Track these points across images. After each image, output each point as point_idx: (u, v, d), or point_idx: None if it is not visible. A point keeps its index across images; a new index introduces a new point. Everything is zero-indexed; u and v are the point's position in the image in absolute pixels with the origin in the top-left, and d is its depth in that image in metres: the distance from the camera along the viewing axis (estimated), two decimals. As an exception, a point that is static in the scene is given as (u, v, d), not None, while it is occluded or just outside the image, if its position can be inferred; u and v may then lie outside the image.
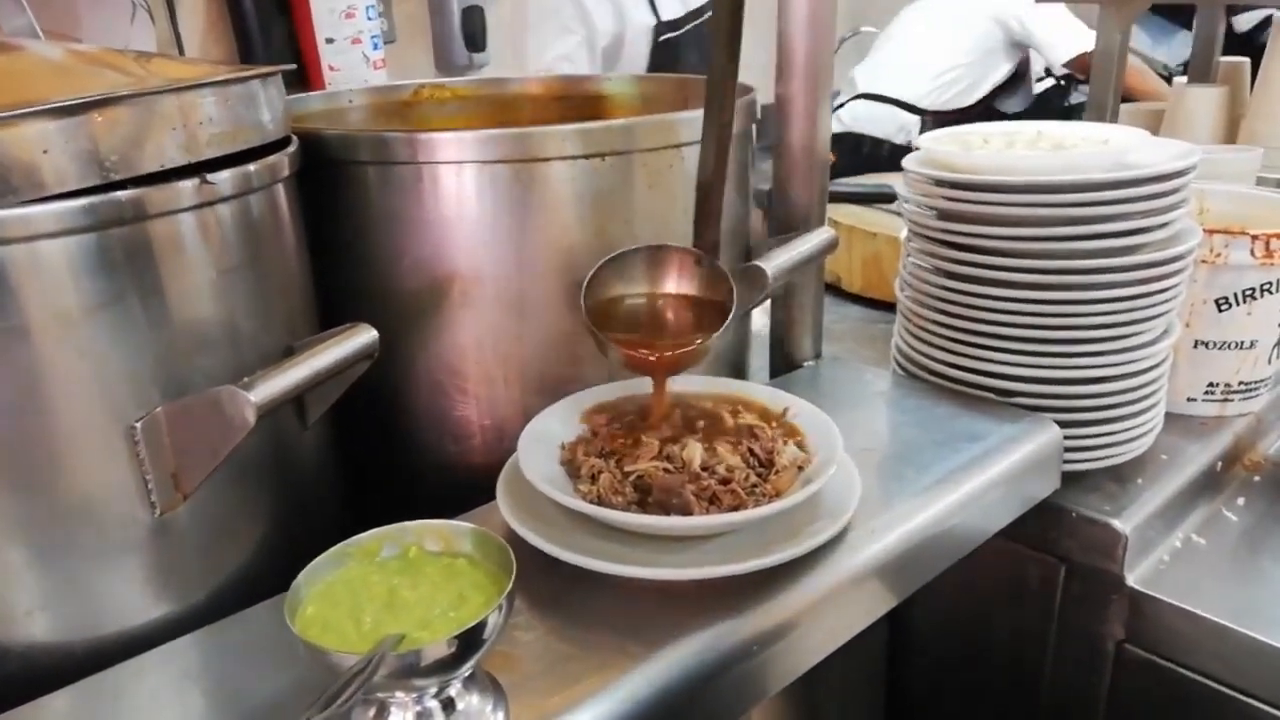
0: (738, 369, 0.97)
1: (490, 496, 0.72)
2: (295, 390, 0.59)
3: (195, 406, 0.57)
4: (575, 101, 1.15)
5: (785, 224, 0.98)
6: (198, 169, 0.60)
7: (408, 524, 0.56)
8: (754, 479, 0.69)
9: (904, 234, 1.28)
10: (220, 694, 0.58)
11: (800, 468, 0.70)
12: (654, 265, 0.77)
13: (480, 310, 0.80)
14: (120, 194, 0.56)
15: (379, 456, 0.86)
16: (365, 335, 0.65)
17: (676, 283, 0.78)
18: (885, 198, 1.60)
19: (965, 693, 1.07)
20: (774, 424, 0.76)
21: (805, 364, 1.02)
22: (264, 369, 0.59)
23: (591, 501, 0.67)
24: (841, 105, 2.98)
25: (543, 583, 0.65)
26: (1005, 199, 0.89)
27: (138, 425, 0.58)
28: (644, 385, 0.78)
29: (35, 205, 0.53)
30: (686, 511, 0.66)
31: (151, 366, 0.59)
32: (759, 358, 1.04)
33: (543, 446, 0.73)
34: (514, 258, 0.79)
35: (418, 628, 0.49)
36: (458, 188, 0.77)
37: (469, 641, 0.48)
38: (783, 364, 1.02)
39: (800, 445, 0.73)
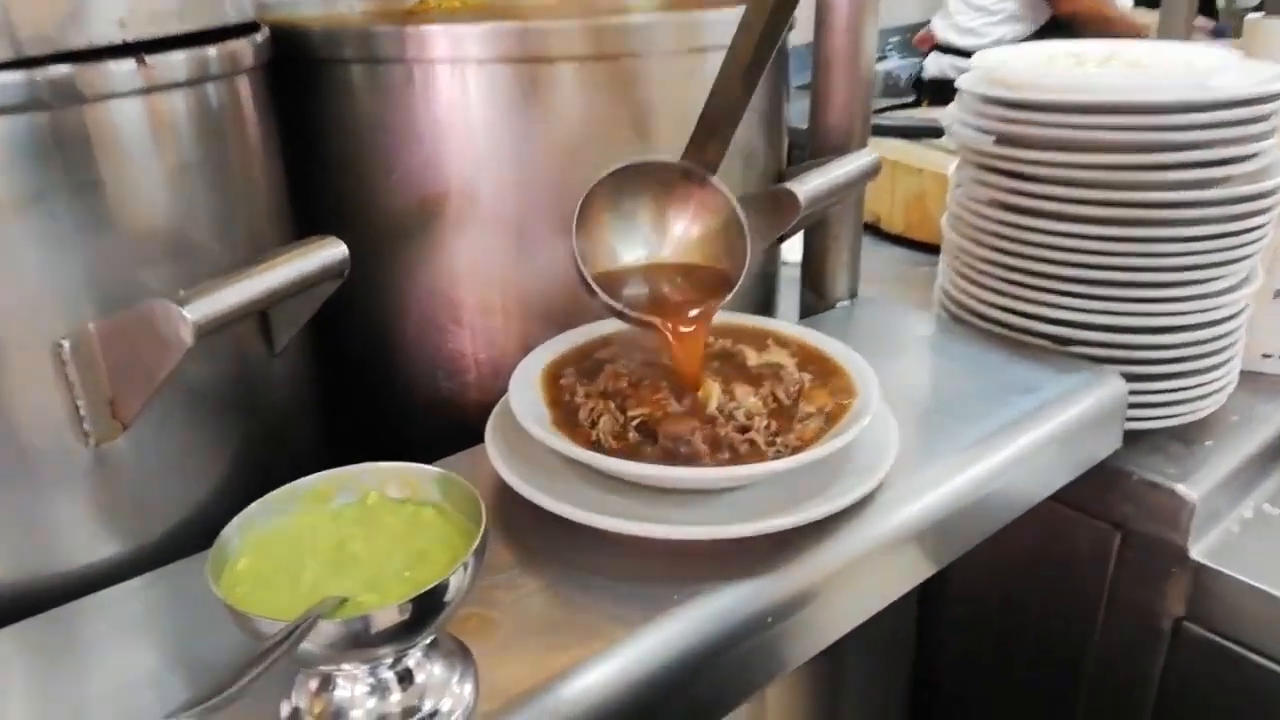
0: (763, 307, 0.88)
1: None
2: (244, 309, 0.51)
3: (128, 323, 0.50)
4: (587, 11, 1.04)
5: (823, 148, 0.88)
6: (137, 49, 0.51)
7: (367, 466, 0.48)
8: (776, 427, 0.60)
9: (954, 165, 1.17)
10: (168, 643, 0.52)
11: (830, 416, 0.61)
12: (649, 195, 0.67)
13: (476, 231, 0.72)
14: (45, 70, 0.48)
15: (364, 393, 0.78)
16: (332, 250, 0.57)
17: (681, 218, 0.68)
18: (932, 132, 1.48)
19: (999, 668, 0.99)
20: (802, 365, 0.67)
21: (839, 304, 0.92)
22: (206, 285, 0.50)
23: (588, 447, 0.58)
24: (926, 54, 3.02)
25: (533, 535, 0.58)
26: (1074, 121, 0.79)
27: (65, 344, 0.50)
28: None
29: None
30: (697, 461, 0.57)
31: (84, 277, 0.52)
32: (788, 297, 0.95)
33: (539, 385, 0.65)
34: (515, 172, 0.70)
35: (365, 589, 0.41)
36: (453, 91, 0.68)
37: (425, 607, 0.40)
38: (814, 304, 0.93)
39: (831, 391, 0.64)
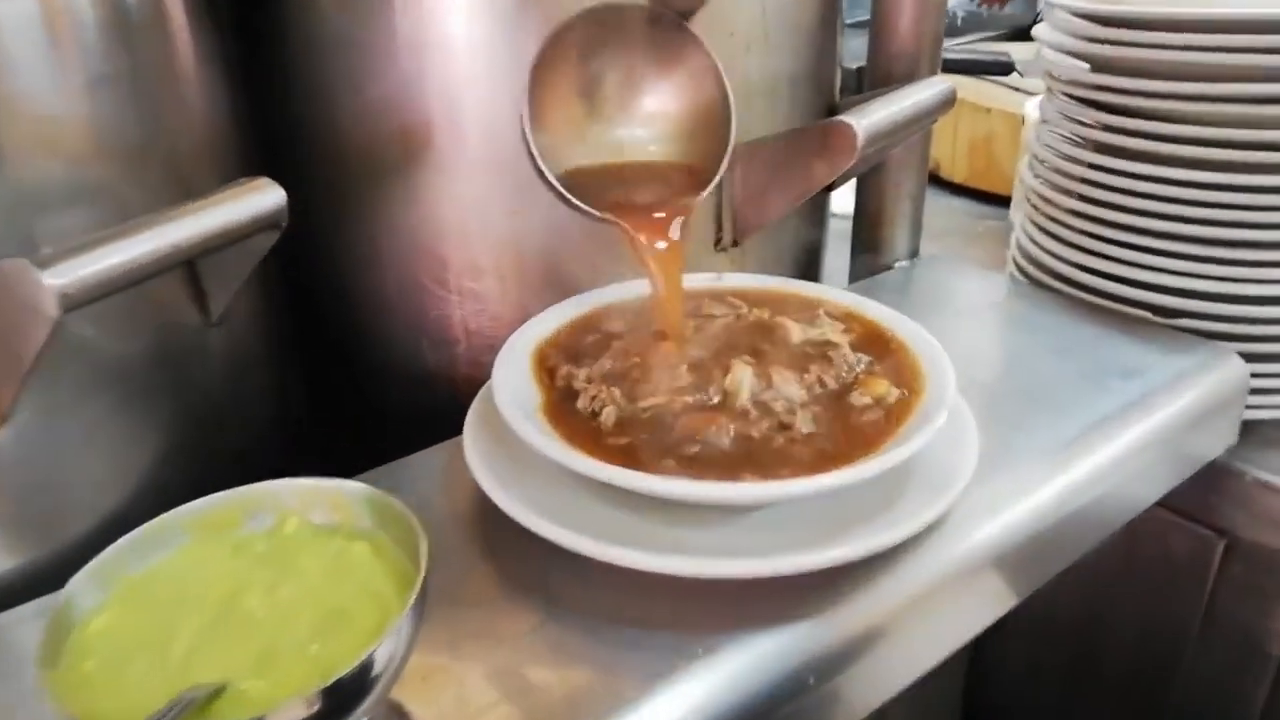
0: (807, 269, 0.75)
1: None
2: (132, 273, 0.39)
3: (-21, 288, 0.38)
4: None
5: (885, 77, 0.74)
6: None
7: (288, 483, 0.37)
8: (826, 423, 0.48)
9: (1033, 103, 1.02)
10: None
11: (893, 412, 0.49)
12: (618, 55, 0.54)
13: (465, 171, 0.59)
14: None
15: (331, 369, 0.67)
16: (263, 196, 0.45)
17: (657, 86, 0.56)
18: (1000, 68, 1.32)
19: (1068, 688, 0.87)
20: (858, 344, 0.54)
21: (898, 264, 0.79)
22: (85, 243, 0.39)
23: (588, 443, 0.46)
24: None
25: (519, 559, 0.46)
26: (1191, 41, 0.64)
27: (-87, 313, 0.39)
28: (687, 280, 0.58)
29: None
30: (723, 468, 0.45)
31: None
32: (835, 256, 0.81)
33: (531, 364, 0.53)
34: (511, 99, 0.57)
35: (253, 669, 0.30)
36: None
37: (338, 700, 0.29)
38: (867, 265, 0.80)
39: (894, 377, 0.51)
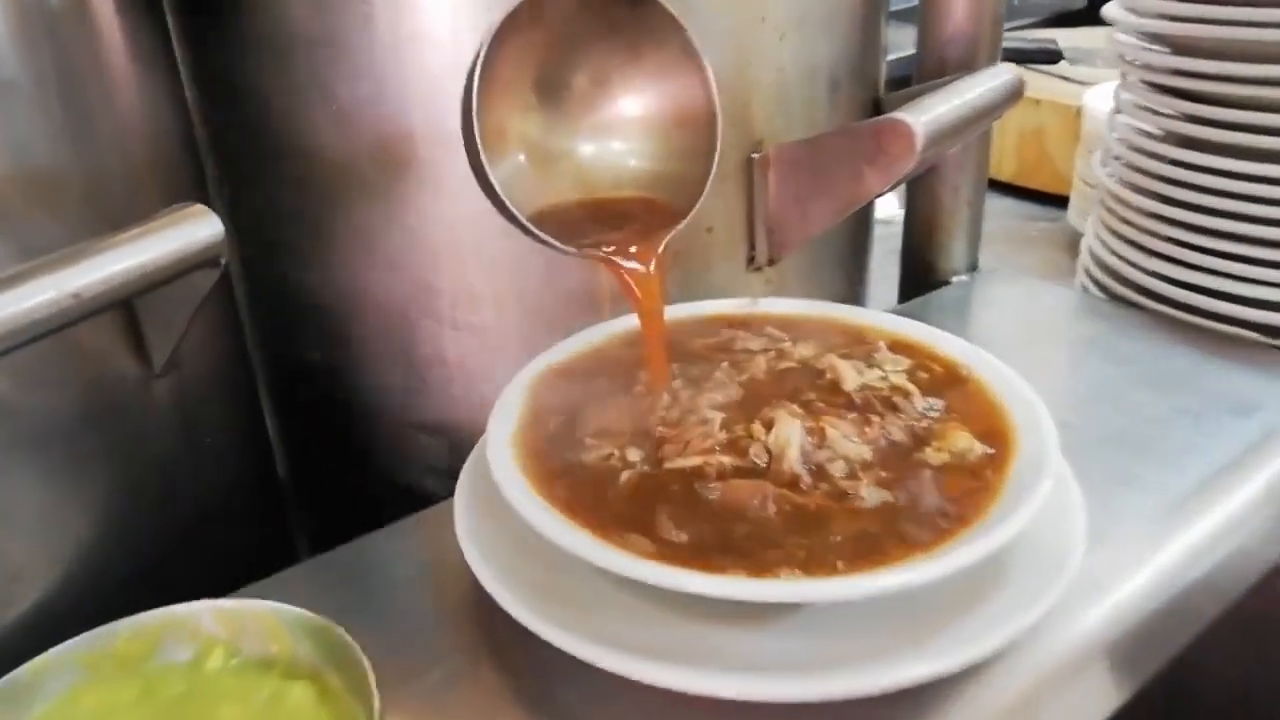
0: (852, 289, 0.66)
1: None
2: (35, 325, 0.31)
3: None
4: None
5: (937, 67, 0.65)
6: None
7: (206, 605, 0.28)
8: (896, 490, 0.39)
9: (1093, 94, 0.93)
10: None
11: (975, 469, 0.40)
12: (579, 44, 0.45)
13: (455, 187, 0.50)
14: None
15: (309, 419, 0.58)
16: (200, 226, 0.36)
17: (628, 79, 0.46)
18: (1047, 56, 1.23)
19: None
20: (927, 386, 0.45)
21: (955, 279, 0.70)
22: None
23: (596, 517, 0.38)
24: None
25: (523, 657, 0.38)
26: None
27: None
28: (689, 308, 0.50)
29: None
30: (770, 551, 0.36)
31: None
32: (881, 268, 0.72)
33: (530, 413, 0.44)
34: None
35: None
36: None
37: None
38: (918, 280, 0.71)
39: (973, 425, 0.42)
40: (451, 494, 0.44)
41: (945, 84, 0.56)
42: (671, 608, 0.37)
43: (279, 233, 0.54)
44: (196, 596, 0.41)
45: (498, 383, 0.47)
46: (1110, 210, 0.68)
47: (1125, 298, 0.66)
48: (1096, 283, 0.69)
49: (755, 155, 0.54)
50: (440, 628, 0.42)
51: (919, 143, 0.48)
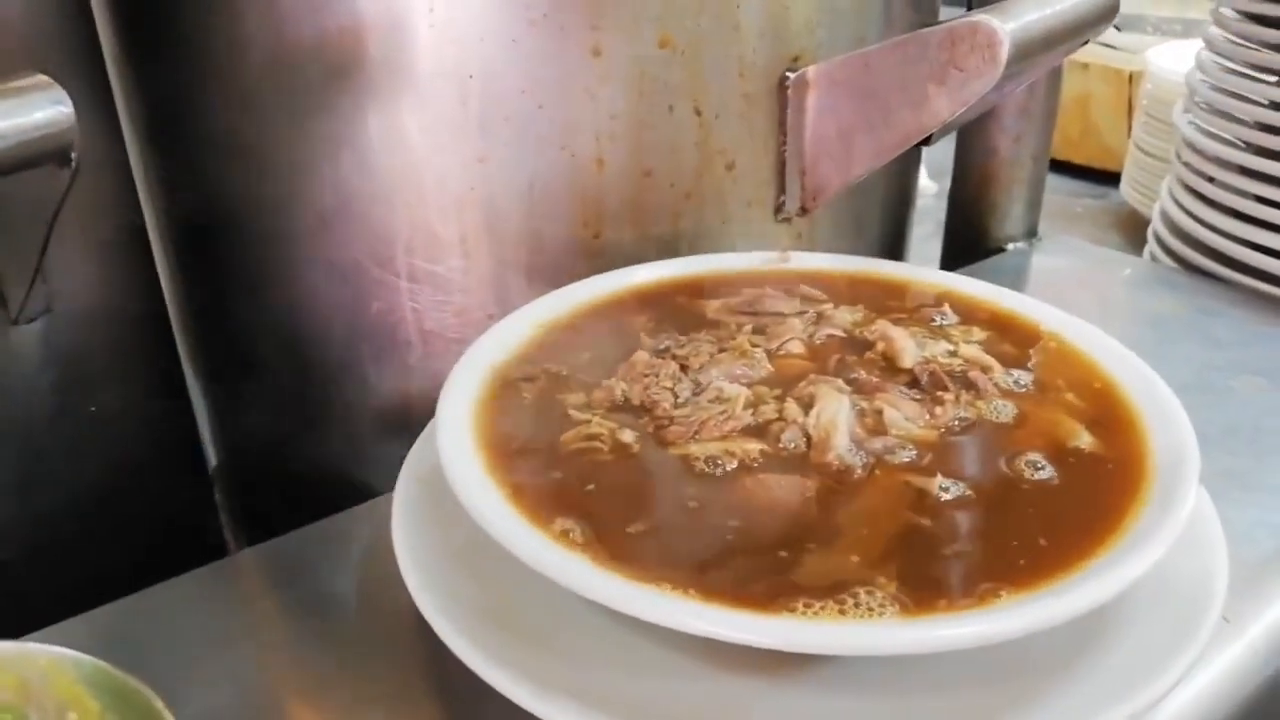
0: (895, 246, 0.56)
1: None
2: None
3: None
4: None
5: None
6: None
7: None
8: (979, 492, 0.29)
9: (1156, 52, 0.83)
10: None
11: (1078, 464, 0.30)
12: None
13: (413, 101, 0.40)
14: None
15: (226, 383, 0.48)
16: (42, 101, 0.26)
17: None
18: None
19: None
20: (1005, 356, 0.35)
21: (1012, 246, 0.60)
22: None
23: (576, 525, 0.28)
24: None
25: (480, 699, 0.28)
26: None
27: None
28: (703, 262, 0.40)
29: None
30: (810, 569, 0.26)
31: None
32: (922, 230, 0.61)
33: (498, 387, 0.34)
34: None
35: None
36: None
37: None
38: (967, 244, 0.60)
39: (1071, 407, 0.32)
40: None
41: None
42: (674, 648, 0.27)
43: (196, 157, 0.44)
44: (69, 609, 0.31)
45: (462, 344, 0.37)
46: (1188, 165, 0.58)
47: (1206, 268, 0.56)
48: (1170, 252, 0.59)
49: (790, 74, 0.43)
50: (381, 650, 0.32)
51: (1004, 51, 0.38)
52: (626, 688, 0.26)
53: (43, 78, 0.27)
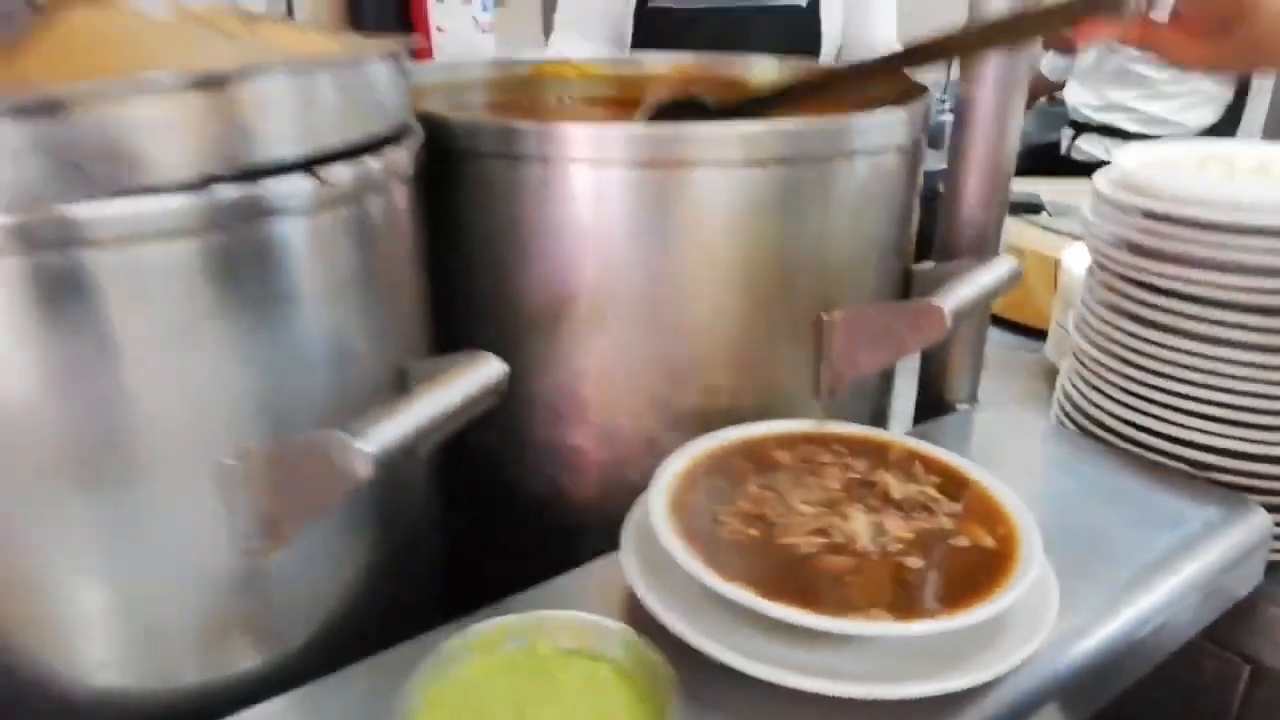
0: (878, 409, 0.86)
1: (602, 533, 0.63)
2: (414, 438, 0.49)
3: (299, 450, 0.49)
4: (712, 85, 1.03)
5: (950, 245, 0.86)
6: (308, 164, 0.50)
7: (541, 616, 0.47)
8: (933, 562, 0.58)
9: (1069, 254, 1.14)
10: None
11: (989, 561, 0.59)
12: None
13: (609, 331, 0.70)
14: (222, 191, 0.47)
15: (479, 481, 0.77)
16: (491, 369, 0.55)
17: None
18: (1031, 208, 1.46)
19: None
20: (948, 492, 0.65)
21: (958, 406, 0.90)
22: (377, 407, 0.49)
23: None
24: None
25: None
26: (1221, 240, 0.76)
27: (233, 463, 0.50)
28: (777, 425, 0.70)
29: (124, 201, 0.44)
30: (853, 602, 0.55)
31: (249, 393, 0.51)
32: (901, 387, 0.92)
33: (674, 497, 0.63)
34: (653, 273, 0.69)
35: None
36: (594, 191, 0.67)
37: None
38: (931, 404, 0.91)
39: (985, 525, 0.61)
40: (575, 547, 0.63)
41: (963, 269, 0.77)
42: (778, 636, 0.56)
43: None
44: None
45: (628, 466, 0.68)
46: (1082, 364, 0.89)
47: (1089, 430, 0.86)
48: (1068, 416, 0.90)
49: (826, 316, 0.74)
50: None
51: (949, 322, 0.69)
52: (753, 647, 0.54)
53: (485, 354, 0.56)
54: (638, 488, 0.66)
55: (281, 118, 0.48)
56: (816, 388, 0.76)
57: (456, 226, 0.71)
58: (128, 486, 0.49)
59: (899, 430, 0.85)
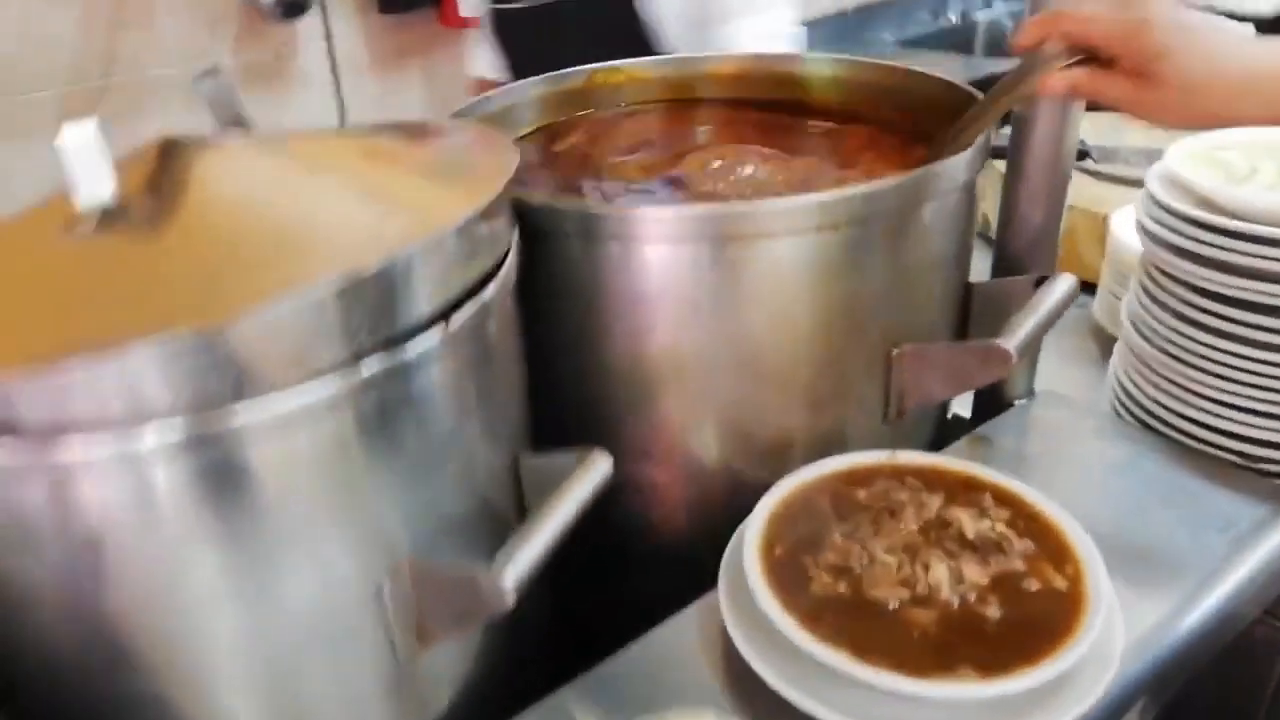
0: (940, 419, 0.91)
1: (691, 569, 0.71)
2: (543, 559, 0.56)
3: (447, 580, 0.55)
4: (763, 84, 1.05)
5: (1008, 254, 0.89)
6: (440, 316, 0.55)
7: None
8: (1010, 610, 0.64)
9: (1119, 218, 1.16)
10: None
11: (1062, 602, 0.65)
12: None
13: (690, 388, 0.76)
14: (371, 363, 0.51)
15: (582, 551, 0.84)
16: (599, 470, 0.61)
17: None
18: (1077, 154, 1.45)
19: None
20: (1020, 528, 0.70)
21: (1016, 402, 0.94)
22: (511, 541, 0.55)
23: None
24: None
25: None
26: (1267, 253, 0.78)
27: (384, 586, 0.56)
28: (850, 459, 0.76)
29: (282, 395, 0.49)
30: (935, 654, 0.62)
31: (394, 519, 0.57)
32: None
33: (765, 550, 0.69)
34: (728, 332, 0.73)
35: None
36: (670, 263, 0.72)
37: None
38: (989, 399, 0.95)
39: (1055, 564, 0.67)
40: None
41: (1022, 292, 0.80)
42: (859, 688, 0.63)
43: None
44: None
45: (713, 504, 0.75)
46: (1133, 354, 0.92)
47: (1145, 423, 0.91)
48: (1125, 408, 0.94)
49: (895, 351, 0.78)
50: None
51: (1014, 361, 0.73)
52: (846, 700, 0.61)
53: (595, 450, 0.62)
54: (720, 519, 0.73)
55: (420, 286, 0.52)
56: (885, 414, 0.81)
57: (542, 301, 0.75)
58: (292, 631, 0.55)
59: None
